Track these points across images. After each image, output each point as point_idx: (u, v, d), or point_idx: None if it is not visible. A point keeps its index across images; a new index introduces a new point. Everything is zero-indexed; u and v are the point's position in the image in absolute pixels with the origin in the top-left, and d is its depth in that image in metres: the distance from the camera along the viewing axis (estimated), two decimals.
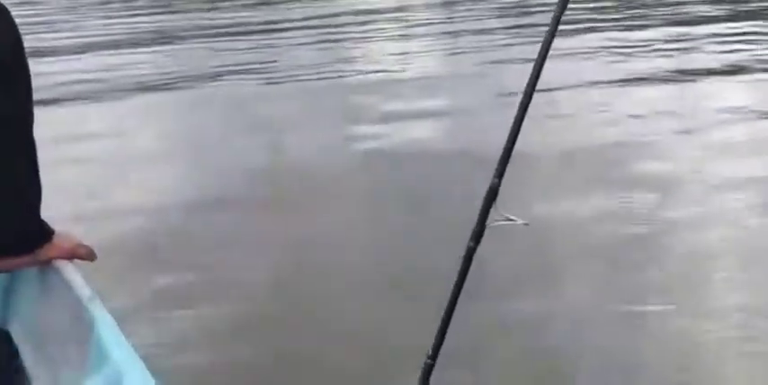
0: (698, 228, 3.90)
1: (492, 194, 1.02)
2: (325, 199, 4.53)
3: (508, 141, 1.03)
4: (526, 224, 1.19)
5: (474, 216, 1.30)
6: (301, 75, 8.24)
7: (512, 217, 1.19)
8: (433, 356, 1.21)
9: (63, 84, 7.97)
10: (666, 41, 8.91)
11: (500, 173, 0.96)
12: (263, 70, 8.69)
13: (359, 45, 10.39)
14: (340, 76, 8.22)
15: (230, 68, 8.83)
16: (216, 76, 8.56)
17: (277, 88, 7.90)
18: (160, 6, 16.40)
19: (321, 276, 3.51)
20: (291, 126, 6.33)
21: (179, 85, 8.18)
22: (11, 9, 1.41)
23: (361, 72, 8.56)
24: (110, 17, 15.15)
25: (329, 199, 4.53)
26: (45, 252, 1.45)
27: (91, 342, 1.24)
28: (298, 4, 15.32)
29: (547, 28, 1.33)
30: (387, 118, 6.32)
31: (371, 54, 9.80)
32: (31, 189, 1.43)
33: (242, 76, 8.49)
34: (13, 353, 1.52)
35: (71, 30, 13.51)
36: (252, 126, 6.34)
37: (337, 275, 3.50)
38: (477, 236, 0.96)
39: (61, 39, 12.05)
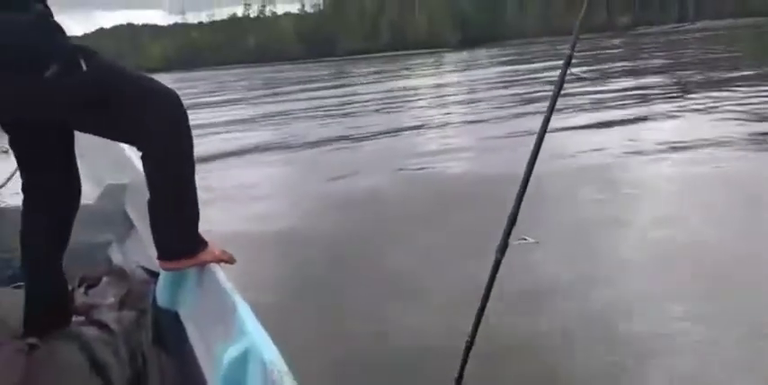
0: None
1: (512, 219, 1.11)
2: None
3: (524, 179, 1.10)
4: (537, 242, 1.46)
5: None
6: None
7: (526, 237, 1.44)
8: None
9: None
10: None
11: (518, 203, 1.06)
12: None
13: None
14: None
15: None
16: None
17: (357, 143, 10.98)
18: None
19: None
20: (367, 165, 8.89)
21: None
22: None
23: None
24: None
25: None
26: (201, 257, 2.03)
27: (233, 321, 1.67)
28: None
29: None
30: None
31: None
32: (196, 209, 2.02)
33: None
34: (182, 328, 2.11)
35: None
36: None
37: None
38: (503, 249, 1.05)
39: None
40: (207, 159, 9.88)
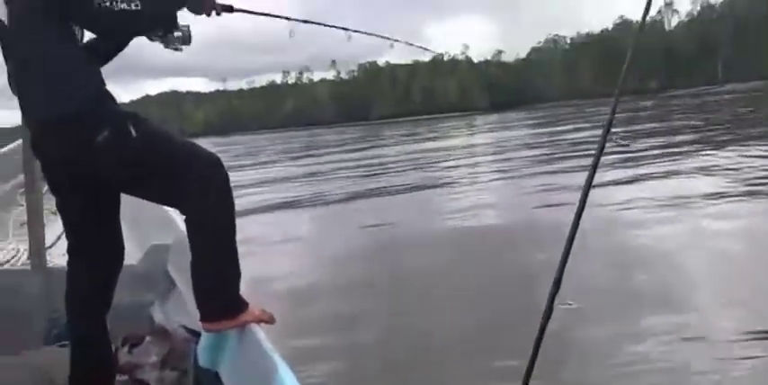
0: None
1: (556, 285, 1.12)
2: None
3: (567, 243, 1.12)
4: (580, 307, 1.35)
5: None
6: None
7: (570, 302, 1.37)
8: None
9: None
10: None
11: (561, 270, 1.08)
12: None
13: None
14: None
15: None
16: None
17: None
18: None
19: None
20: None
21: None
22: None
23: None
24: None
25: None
26: (243, 318, 2.09)
27: (273, 381, 1.70)
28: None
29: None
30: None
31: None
32: (237, 270, 2.11)
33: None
34: None
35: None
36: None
37: None
38: (548, 314, 1.05)
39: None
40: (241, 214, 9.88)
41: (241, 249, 2.13)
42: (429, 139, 31.72)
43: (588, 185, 1.24)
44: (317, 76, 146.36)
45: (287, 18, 2.56)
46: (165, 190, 2.11)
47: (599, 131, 1.79)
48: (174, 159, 2.07)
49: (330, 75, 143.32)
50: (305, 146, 38.05)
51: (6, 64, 2.09)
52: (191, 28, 2.21)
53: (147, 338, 2.61)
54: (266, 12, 2.55)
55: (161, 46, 2.23)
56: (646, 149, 14.69)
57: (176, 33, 2.18)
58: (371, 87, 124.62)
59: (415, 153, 22.73)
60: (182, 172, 2.06)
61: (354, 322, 4.82)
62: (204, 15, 2.23)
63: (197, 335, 2.44)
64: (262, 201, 12.46)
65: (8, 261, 3.43)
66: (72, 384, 2.19)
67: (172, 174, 2.06)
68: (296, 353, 3.83)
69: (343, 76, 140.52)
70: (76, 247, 2.23)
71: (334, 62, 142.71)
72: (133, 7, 1.95)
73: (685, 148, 14.42)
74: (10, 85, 2.10)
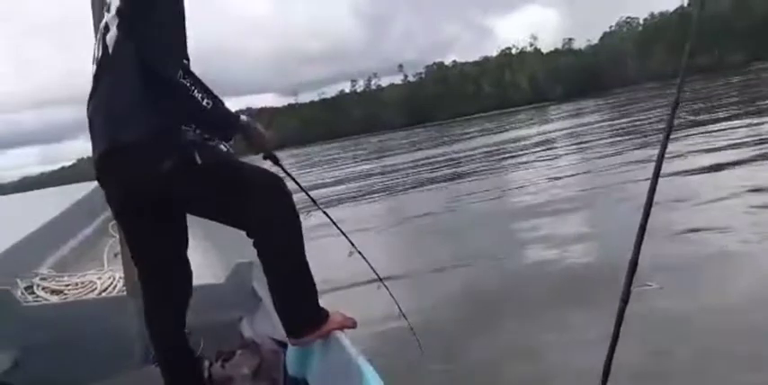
0: None
1: (633, 265, 1.13)
2: None
3: (640, 227, 1.13)
4: (661, 288, 1.33)
5: None
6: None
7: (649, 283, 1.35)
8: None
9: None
10: None
11: (636, 251, 1.08)
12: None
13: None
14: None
15: None
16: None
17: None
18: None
19: None
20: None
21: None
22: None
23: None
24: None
25: None
26: (326, 327, 2.19)
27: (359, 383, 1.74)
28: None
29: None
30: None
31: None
32: (313, 284, 2.20)
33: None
34: None
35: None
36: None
37: None
38: (626, 296, 1.07)
39: None
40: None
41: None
42: (500, 133, 31.47)
43: (660, 162, 1.22)
44: (385, 82, 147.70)
45: None
46: (232, 214, 2.19)
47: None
48: (238, 184, 2.14)
49: (398, 79, 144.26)
50: (372, 151, 38.31)
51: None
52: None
53: (238, 352, 2.75)
54: None
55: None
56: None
57: (221, 146, 2.22)
58: (440, 87, 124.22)
59: (486, 146, 22.93)
60: (246, 196, 2.13)
61: None
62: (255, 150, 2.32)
63: (285, 346, 2.56)
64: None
65: (105, 289, 3.65)
66: None
67: (237, 199, 2.13)
68: None
69: (411, 79, 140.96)
70: (148, 275, 2.32)
71: (401, 66, 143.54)
72: (204, 103, 2.03)
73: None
74: (88, 112, 2.18)
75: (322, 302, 2.25)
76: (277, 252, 2.17)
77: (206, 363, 2.63)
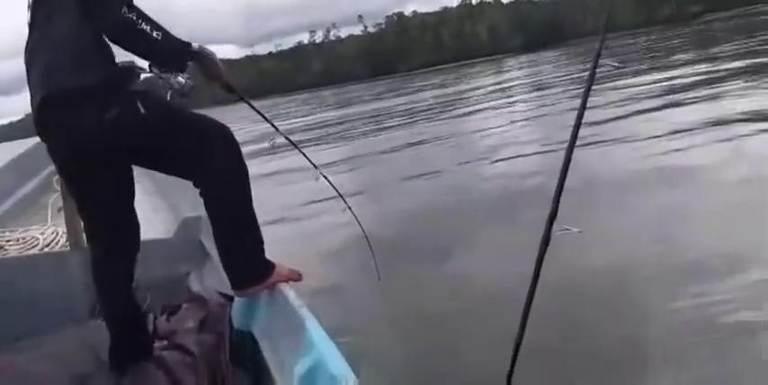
0: None
1: (553, 213, 1.13)
2: None
3: (561, 173, 1.12)
4: (580, 231, 1.47)
5: None
6: None
7: (568, 227, 1.47)
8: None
9: None
10: None
11: (557, 197, 1.09)
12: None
13: None
14: None
15: None
16: None
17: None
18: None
19: None
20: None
21: None
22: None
23: None
24: None
25: None
26: (272, 279, 2.19)
27: (302, 336, 1.78)
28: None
29: None
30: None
31: None
32: (259, 235, 2.18)
33: None
34: (257, 347, 2.24)
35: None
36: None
37: None
38: (546, 240, 1.09)
39: None
40: None
41: None
42: (459, 84, 31.65)
43: (581, 114, 1.23)
44: (344, 33, 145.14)
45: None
46: (178, 164, 2.16)
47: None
48: (184, 134, 2.12)
49: (358, 30, 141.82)
50: (329, 104, 38.19)
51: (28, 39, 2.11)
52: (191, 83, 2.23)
53: (184, 306, 2.73)
54: None
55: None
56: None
57: (179, 79, 2.19)
58: (400, 39, 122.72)
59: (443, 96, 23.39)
60: (192, 146, 2.11)
61: None
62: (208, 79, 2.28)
63: (232, 299, 2.55)
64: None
65: (48, 244, 3.58)
66: (112, 354, 2.31)
67: (183, 148, 2.11)
68: None
69: (371, 29, 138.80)
70: (94, 230, 2.28)
71: (360, 17, 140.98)
72: (154, 35, 1.98)
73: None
74: (25, 61, 2.11)
75: (272, 252, 2.25)
76: (223, 203, 2.16)
77: (151, 317, 2.61)
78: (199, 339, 2.41)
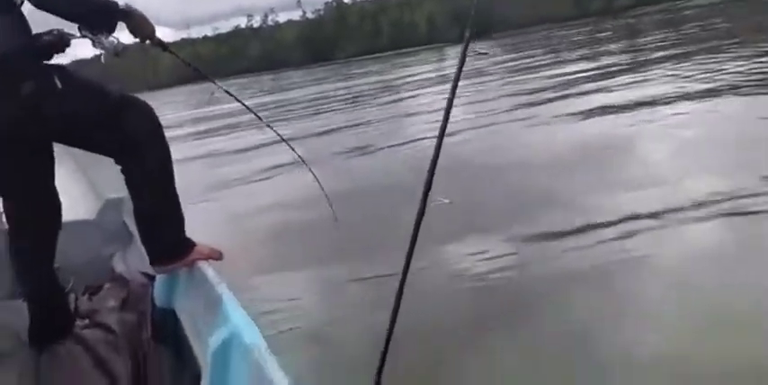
0: None
1: (428, 186, 1.21)
2: None
3: (436, 149, 1.20)
4: (451, 202, 1.62)
5: None
6: None
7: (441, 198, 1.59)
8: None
9: None
10: None
11: (431, 170, 1.17)
12: None
13: None
14: None
15: None
16: None
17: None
18: None
19: None
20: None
21: None
22: None
23: None
24: None
25: None
26: (191, 257, 2.21)
27: (219, 310, 1.84)
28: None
29: None
30: None
31: None
32: (180, 213, 2.20)
33: None
34: (178, 324, 2.29)
35: None
36: None
37: None
38: (421, 212, 1.17)
39: None
40: None
41: None
42: (396, 72, 31.97)
43: (450, 101, 1.31)
44: (282, 18, 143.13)
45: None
46: (98, 141, 2.15)
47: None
48: (104, 110, 2.11)
49: (296, 15, 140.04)
50: (266, 89, 38.16)
51: None
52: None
53: (106, 286, 2.74)
54: None
55: None
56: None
57: (110, 39, 2.15)
58: (339, 26, 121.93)
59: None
60: (114, 122, 2.10)
61: None
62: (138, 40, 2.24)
63: (154, 279, 2.57)
64: None
65: None
66: (32, 333, 2.30)
67: (103, 124, 2.10)
68: None
69: (310, 15, 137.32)
70: (14, 210, 2.26)
71: (299, 2, 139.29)
72: None
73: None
74: None
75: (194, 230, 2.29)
76: (144, 178, 2.17)
77: (72, 297, 2.60)
78: (121, 318, 2.42)
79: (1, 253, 2.77)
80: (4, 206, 2.30)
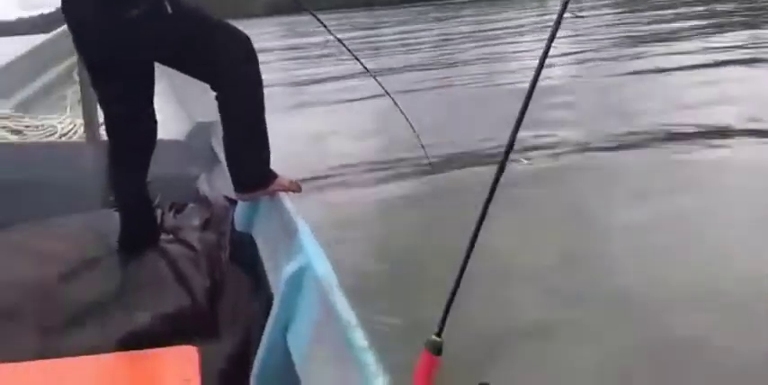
0: None
1: (510, 145, 1.16)
2: None
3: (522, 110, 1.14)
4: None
5: None
6: None
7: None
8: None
9: None
10: None
11: (517, 126, 1.12)
12: None
13: None
14: None
15: None
16: None
17: None
18: None
19: None
20: None
21: None
22: None
23: None
24: None
25: None
26: (272, 187, 2.28)
27: (294, 240, 1.88)
28: None
29: None
30: None
31: None
32: (268, 144, 2.26)
33: None
34: (255, 249, 2.40)
35: None
36: None
37: None
38: (502, 166, 1.12)
39: None
40: None
41: None
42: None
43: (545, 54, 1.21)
44: None
45: None
46: (198, 66, 2.22)
47: None
48: (206, 37, 2.16)
49: None
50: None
51: None
52: None
53: (191, 205, 2.85)
54: None
55: None
56: None
57: None
58: None
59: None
60: (214, 50, 2.15)
61: None
62: None
63: (235, 203, 2.67)
64: None
65: (66, 133, 3.67)
66: (122, 241, 2.45)
67: (204, 51, 2.16)
68: None
69: None
70: (113, 124, 2.36)
71: None
72: None
73: None
74: None
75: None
76: (237, 107, 2.23)
77: (159, 212, 2.73)
78: (202, 237, 2.53)
79: (92, 164, 2.93)
80: (106, 123, 2.41)
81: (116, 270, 2.32)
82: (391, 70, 12.30)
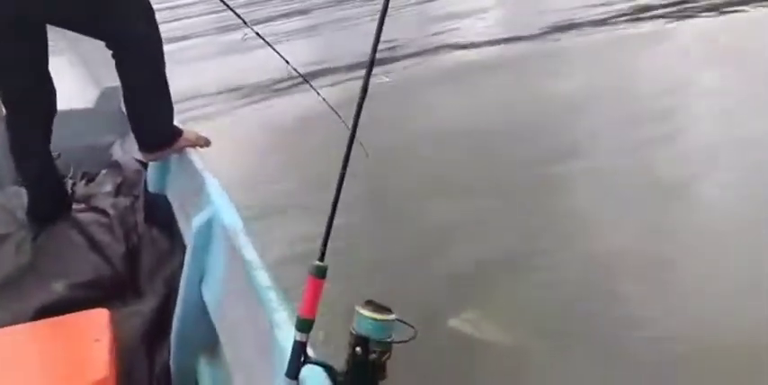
0: None
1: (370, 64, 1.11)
2: None
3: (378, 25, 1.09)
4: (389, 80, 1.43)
5: None
6: None
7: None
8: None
9: None
10: None
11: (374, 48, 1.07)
12: None
13: None
14: None
15: None
16: None
17: None
18: None
19: None
20: None
21: None
22: None
23: None
24: None
25: None
26: (179, 144, 2.24)
27: (203, 192, 1.91)
28: None
29: None
30: None
31: None
32: (170, 101, 2.19)
33: None
34: (170, 207, 2.37)
35: None
36: None
37: None
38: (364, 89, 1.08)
39: None
40: None
41: None
42: None
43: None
44: None
45: None
46: (92, 25, 2.09)
47: None
48: None
49: None
50: None
51: None
52: None
53: (103, 172, 2.79)
54: None
55: None
56: None
57: None
58: None
59: None
60: (108, 6, 2.04)
61: None
62: None
63: (147, 165, 2.62)
64: None
65: None
66: (30, 214, 2.38)
67: (99, 8, 2.04)
68: None
69: None
70: (9, 93, 2.25)
71: None
72: None
73: None
74: None
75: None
76: (133, 64, 2.13)
77: (70, 182, 2.66)
78: (115, 202, 2.49)
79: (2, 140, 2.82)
80: (2, 93, 2.28)
81: (27, 243, 2.26)
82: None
